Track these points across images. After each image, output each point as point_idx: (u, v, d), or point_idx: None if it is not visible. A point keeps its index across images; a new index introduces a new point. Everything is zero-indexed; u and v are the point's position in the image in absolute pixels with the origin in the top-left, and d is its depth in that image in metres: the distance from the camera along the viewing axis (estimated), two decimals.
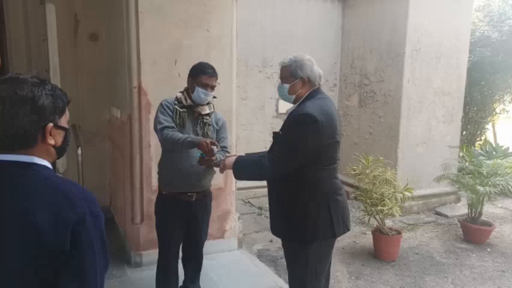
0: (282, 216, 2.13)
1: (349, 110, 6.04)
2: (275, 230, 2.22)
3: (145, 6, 3.11)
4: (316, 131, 1.93)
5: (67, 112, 1.15)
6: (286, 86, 2.09)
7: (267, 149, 2.20)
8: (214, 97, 2.59)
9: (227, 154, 2.39)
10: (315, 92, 2.07)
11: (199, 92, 2.44)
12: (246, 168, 2.16)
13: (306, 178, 2.03)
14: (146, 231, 3.35)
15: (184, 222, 2.58)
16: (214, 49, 3.38)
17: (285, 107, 5.57)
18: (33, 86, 1.05)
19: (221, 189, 3.63)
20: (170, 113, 2.43)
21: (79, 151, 3.52)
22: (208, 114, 2.54)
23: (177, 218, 2.55)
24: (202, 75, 2.45)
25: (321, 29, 5.84)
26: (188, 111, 2.48)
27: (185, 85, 2.56)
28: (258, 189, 5.52)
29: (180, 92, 2.55)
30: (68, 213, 1.02)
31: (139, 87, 3.17)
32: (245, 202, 5.49)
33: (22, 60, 6.66)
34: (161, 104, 2.48)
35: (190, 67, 2.63)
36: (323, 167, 2.05)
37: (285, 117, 2.15)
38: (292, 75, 2.06)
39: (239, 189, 5.21)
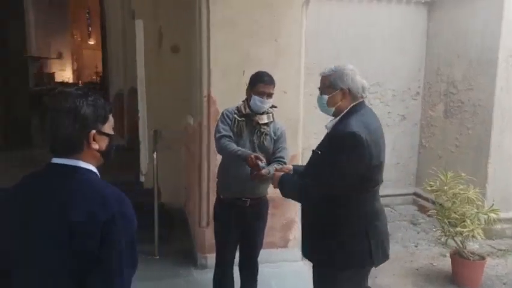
0: (315, 239, 2.00)
1: (433, 121, 5.60)
2: (306, 252, 2.09)
3: (216, 19, 3.26)
4: (363, 153, 1.78)
5: (111, 119, 1.27)
6: (325, 96, 1.95)
7: None
8: (274, 106, 2.61)
9: (276, 167, 2.32)
10: (358, 106, 1.92)
11: (256, 100, 2.48)
12: (289, 191, 2.07)
13: (345, 201, 1.88)
14: (212, 235, 3.45)
15: (239, 228, 2.63)
16: (282, 58, 3.41)
17: None
18: (76, 98, 1.17)
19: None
20: (230, 122, 2.52)
21: (154, 155, 3.79)
22: (266, 124, 2.55)
23: (232, 224, 2.60)
24: (259, 83, 2.50)
25: (403, 34, 5.52)
26: (246, 120, 2.53)
27: None
28: None
29: (242, 101, 2.62)
30: (100, 212, 1.11)
31: (209, 96, 3.32)
32: None
33: (119, 71, 7.41)
34: (222, 113, 2.58)
35: None
36: (364, 191, 1.89)
37: (326, 132, 2.00)
38: (332, 85, 1.93)
39: None
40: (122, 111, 7.37)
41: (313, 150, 2.02)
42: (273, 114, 2.62)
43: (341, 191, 1.86)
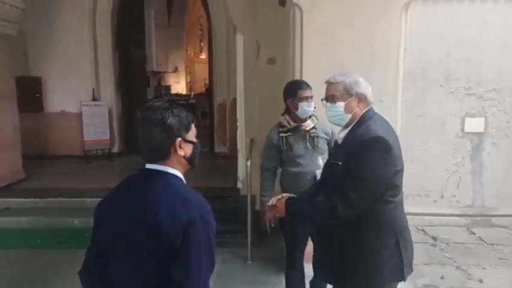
0: (339, 260, 1.81)
1: None
2: (326, 275, 1.91)
3: (310, 29, 3.28)
4: (390, 157, 1.65)
5: (194, 129, 1.38)
6: (341, 103, 1.81)
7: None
8: (314, 107, 2.62)
9: (272, 200, 2.01)
10: (370, 112, 1.81)
11: (303, 106, 2.54)
12: (306, 211, 1.85)
13: (372, 213, 1.71)
14: None
15: (303, 238, 2.62)
16: (378, 65, 3.28)
17: (476, 125, 4.85)
18: (163, 110, 1.30)
19: None
20: (274, 146, 2.65)
21: (248, 163, 3.92)
22: (313, 127, 2.61)
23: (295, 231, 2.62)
24: (298, 90, 2.57)
25: None
26: (293, 133, 2.59)
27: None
28: (435, 217, 4.94)
29: (281, 115, 2.62)
30: (182, 215, 1.22)
31: None
32: (418, 230, 4.98)
33: (223, 82, 7.87)
34: (267, 137, 2.70)
35: None
36: (389, 199, 1.71)
37: (339, 142, 1.87)
38: (347, 91, 1.80)
39: (411, 214, 4.77)
40: (224, 121, 7.80)
41: (329, 162, 1.89)
42: (316, 116, 2.64)
43: (367, 204, 1.69)
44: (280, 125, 2.68)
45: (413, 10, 3.38)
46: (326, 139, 2.68)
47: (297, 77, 3.37)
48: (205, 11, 8.46)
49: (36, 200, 5.19)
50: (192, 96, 18.33)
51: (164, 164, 1.33)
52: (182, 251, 1.20)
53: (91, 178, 6.35)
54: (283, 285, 3.44)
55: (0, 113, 5.36)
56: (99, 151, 7.71)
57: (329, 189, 1.77)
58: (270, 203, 2.00)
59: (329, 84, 1.90)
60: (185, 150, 1.34)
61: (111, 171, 7.08)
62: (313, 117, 2.65)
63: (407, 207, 4.14)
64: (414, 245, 4.52)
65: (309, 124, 2.63)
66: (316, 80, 3.29)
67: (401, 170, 1.74)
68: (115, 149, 7.92)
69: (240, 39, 5.01)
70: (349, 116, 1.82)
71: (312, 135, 2.61)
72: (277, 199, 1.95)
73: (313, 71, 3.31)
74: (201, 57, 22.11)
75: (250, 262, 3.91)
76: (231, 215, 4.36)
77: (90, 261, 1.40)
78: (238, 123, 5.28)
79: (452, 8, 4.82)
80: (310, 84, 2.67)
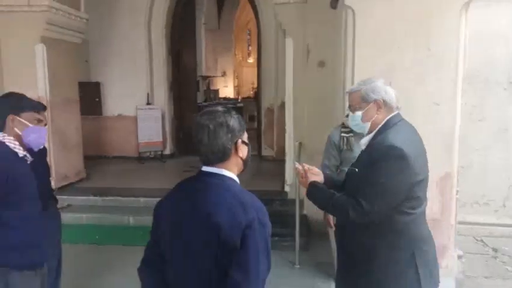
0: (355, 269, 1.80)
1: None
2: (339, 279, 1.90)
3: (362, 32, 3.20)
4: (405, 166, 1.61)
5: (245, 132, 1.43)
6: (359, 113, 1.81)
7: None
8: None
9: (304, 165, 2.02)
10: (395, 118, 1.76)
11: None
12: (322, 202, 1.87)
13: (387, 224, 1.69)
14: None
15: None
16: (435, 68, 3.13)
17: None
18: (224, 113, 1.36)
19: (437, 220, 3.28)
20: (335, 145, 2.68)
21: (296, 165, 3.90)
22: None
23: None
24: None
25: None
26: (355, 134, 2.53)
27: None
28: (496, 227, 4.65)
29: (346, 116, 2.57)
30: (241, 217, 1.25)
31: None
32: (477, 240, 4.70)
33: (271, 86, 7.92)
34: (328, 137, 2.72)
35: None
36: (408, 211, 1.65)
37: (362, 149, 1.84)
38: (364, 99, 1.79)
39: (469, 223, 4.54)
40: (272, 124, 7.84)
41: (349, 168, 1.86)
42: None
43: (381, 214, 1.66)
44: (343, 125, 2.70)
45: (473, 10, 3.21)
46: None
47: (348, 80, 3.31)
48: (254, 16, 8.56)
49: (95, 198, 5.51)
50: (239, 100, 18.60)
51: (222, 167, 1.36)
52: (242, 253, 1.23)
53: (145, 179, 6.64)
54: None
55: (66, 116, 5.75)
56: (152, 153, 8.03)
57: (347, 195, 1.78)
58: (298, 167, 2.01)
59: (349, 93, 1.92)
60: (243, 151, 1.39)
61: (163, 172, 7.36)
62: None
63: (464, 216, 4.01)
64: (472, 256, 4.33)
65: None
66: None
67: (424, 181, 1.71)
68: (167, 151, 8.22)
69: (289, 43, 5.04)
70: (368, 124, 1.82)
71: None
72: (306, 170, 1.96)
73: (366, 74, 3.20)
74: (249, 61, 22.38)
75: (298, 266, 3.90)
76: (278, 219, 4.36)
77: (149, 259, 1.46)
78: (286, 127, 5.29)
79: None
80: None
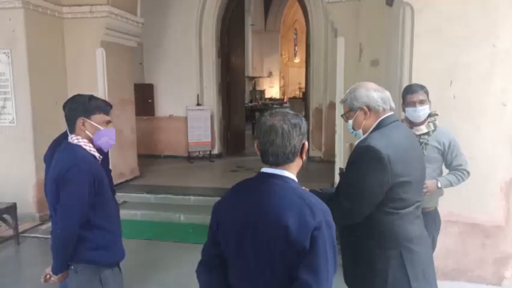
0: (350, 266, 1.86)
1: None
2: (347, 281, 1.93)
3: (421, 28, 3.09)
4: (379, 167, 1.63)
5: None
6: (350, 122, 1.87)
7: None
8: (436, 114, 2.54)
9: None
10: (385, 120, 1.78)
11: (409, 111, 2.54)
12: None
13: (372, 223, 1.72)
14: None
15: None
16: (500, 66, 2.95)
17: None
18: (295, 116, 1.36)
19: (500, 227, 3.09)
20: None
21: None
22: (426, 134, 2.53)
23: None
24: (406, 95, 2.57)
25: None
26: None
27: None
28: None
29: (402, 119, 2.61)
30: (310, 219, 1.25)
31: None
32: None
33: (320, 86, 7.84)
34: None
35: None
36: (391, 210, 1.69)
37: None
38: (350, 108, 1.84)
39: None
40: (320, 125, 7.75)
41: (340, 168, 1.93)
42: (433, 123, 2.53)
43: (362, 214, 1.71)
44: None
45: None
46: (438, 149, 2.56)
47: (405, 79, 3.20)
48: (303, 15, 8.51)
49: (148, 195, 5.73)
50: (285, 100, 18.57)
51: (284, 168, 1.35)
52: (311, 254, 1.23)
53: (194, 177, 6.82)
54: None
55: (122, 116, 6.03)
56: (201, 152, 8.23)
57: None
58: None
59: (342, 104, 1.98)
60: (305, 153, 1.40)
61: (212, 171, 7.51)
62: (430, 123, 2.55)
63: None
64: None
65: (421, 129, 2.54)
66: (428, 82, 3.10)
67: (409, 183, 1.70)
68: (215, 151, 8.38)
69: (341, 42, 4.95)
70: (360, 131, 1.86)
71: (421, 141, 2.50)
72: None
73: (424, 73, 3.11)
74: (295, 61, 22.27)
75: None
76: None
77: (209, 260, 1.45)
78: (336, 128, 5.21)
79: None
80: (421, 87, 2.57)
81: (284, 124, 1.32)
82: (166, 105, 8.25)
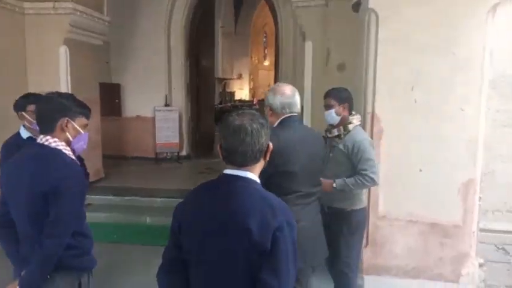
0: None
1: None
2: None
3: (385, 35, 3.18)
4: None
5: None
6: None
7: None
8: (350, 122, 2.69)
9: None
10: (285, 120, 2.11)
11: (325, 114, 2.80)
12: None
13: None
14: (370, 256, 3.36)
15: None
16: (460, 73, 3.09)
17: None
18: (261, 116, 1.38)
19: (458, 227, 3.24)
20: None
21: None
22: (337, 136, 2.71)
23: None
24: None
25: None
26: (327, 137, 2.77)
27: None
28: None
29: None
30: (271, 220, 1.25)
31: (373, 113, 3.25)
32: (498, 248, 4.59)
33: None
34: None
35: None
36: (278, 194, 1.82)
37: None
38: (266, 106, 2.18)
39: (490, 231, 4.44)
40: None
41: None
42: (345, 126, 2.68)
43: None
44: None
45: (501, 12, 3.15)
46: (343, 152, 2.68)
47: (370, 84, 3.29)
48: (273, 19, 8.58)
49: (113, 197, 5.59)
50: (254, 102, 18.63)
51: (248, 169, 1.35)
52: (273, 255, 1.24)
53: (162, 179, 6.72)
54: None
55: None
56: (169, 154, 8.12)
57: None
58: None
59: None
60: (269, 154, 1.40)
61: (180, 173, 7.42)
62: (341, 126, 2.73)
63: (485, 223, 3.91)
64: (493, 265, 4.24)
65: (333, 132, 2.76)
66: (391, 87, 3.22)
67: (287, 173, 1.99)
68: (183, 152, 8.29)
69: (309, 46, 5.04)
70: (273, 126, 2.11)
71: (332, 143, 2.74)
72: None
73: (388, 79, 3.22)
74: (265, 64, 22.41)
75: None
76: None
77: (171, 263, 1.42)
78: None
79: None
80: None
81: (253, 123, 1.32)
82: (134, 105, 8.09)
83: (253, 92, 21.75)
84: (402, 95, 3.18)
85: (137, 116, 8.13)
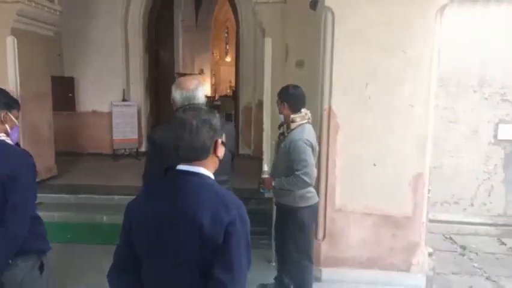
0: None
1: None
2: None
3: (341, 33, 3.26)
4: (155, 150, 2.14)
5: None
6: None
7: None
8: (293, 121, 2.80)
9: None
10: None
11: None
12: None
13: None
14: (327, 248, 3.45)
15: None
16: (410, 71, 3.23)
17: (510, 132, 4.70)
18: (208, 112, 1.36)
19: (409, 218, 3.39)
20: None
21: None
22: (281, 134, 2.88)
23: None
24: None
25: None
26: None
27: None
28: (464, 225, 4.83)
29: None
30: (223, 215, 1.25)
31: (329, 109, 3.33)
32: (446, 238, 4.87)
33: (249, 85, 7.93)
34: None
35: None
36: None
37: None
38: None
39: (438, 221, 4.70)
40: (249, 123, 7.85)
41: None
42: (288, 125, 2.82)
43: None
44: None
45: (448, 13, 3.32)
46: (283, 150, 2.81)
47: (326, 81, 3.37)
48: (233, 14, 8.55)
49: (67, 196, 5.37)
50: (216, 98, 18.50)
51: (199, 165, 1.35)
52: (225, 251, 1.24)
53: (119, 176, 6.51)
54: None
55: (37, 111, 5.56)
56: (127, 150, 7.89)
57: None
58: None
59: None
60: (221, 151, 1.40)
61: (138, 169, 7.18)
62: (284, 125, 2.87)
63: (434, 214, 4.12)
64: (441, 254, 4.47)
65: (280, 130, 2.93)
66: (347, 84, 3.31)
67: None
68: (142, 148, 8.08)
69: (268, 42, 5.06)
70: None
71: (279, 141, 2.92)
72: None
73: (344, 77, 3.31)
74: (226, 60, 22.28)
75: (274, 264, 3.92)
76: (255, 217, 4.35)
77: (122, 262, 1.41)
78: (264, 126, 5.31)
79: (490, 11, 4.71)
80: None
81: (194, 120, 1.32)
82: (89, 100, 7.78)
83: (214, 87, 21.57)
84: (357, 91, 3.28)
85: (93, 111, 7.84)
